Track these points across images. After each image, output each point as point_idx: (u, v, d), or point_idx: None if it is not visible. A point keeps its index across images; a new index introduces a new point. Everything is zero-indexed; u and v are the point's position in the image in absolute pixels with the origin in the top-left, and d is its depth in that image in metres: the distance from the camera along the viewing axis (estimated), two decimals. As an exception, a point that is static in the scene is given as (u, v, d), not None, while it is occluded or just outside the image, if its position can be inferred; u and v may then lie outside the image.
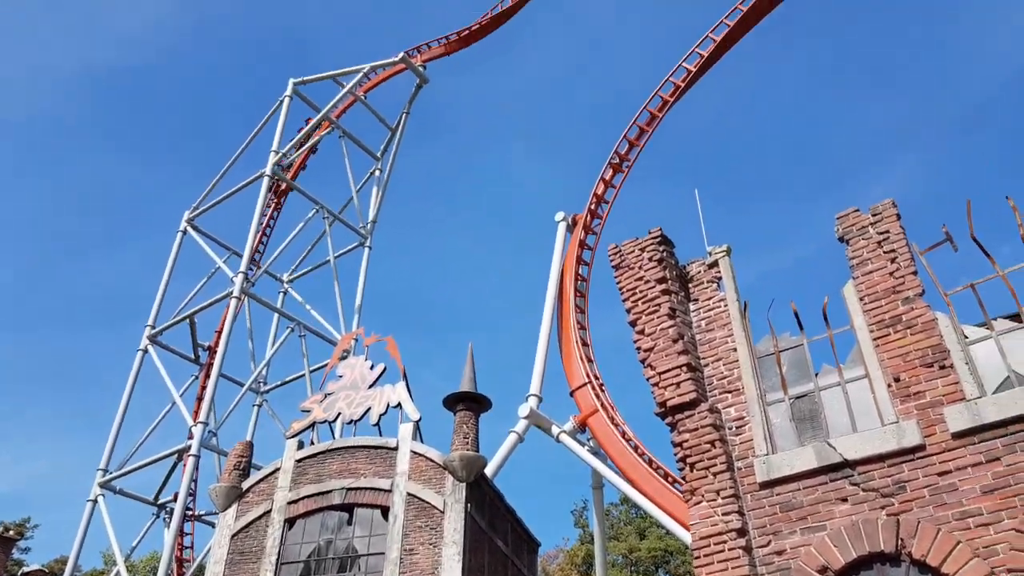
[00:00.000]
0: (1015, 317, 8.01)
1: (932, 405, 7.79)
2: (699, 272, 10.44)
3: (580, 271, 27.69)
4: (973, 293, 8.19)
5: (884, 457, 7.76)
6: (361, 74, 36.87)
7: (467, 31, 37.98)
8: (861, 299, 8.82)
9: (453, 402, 17.31)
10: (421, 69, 38.60)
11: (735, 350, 9.42)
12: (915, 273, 8.65)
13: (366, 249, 37.83)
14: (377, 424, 17.93)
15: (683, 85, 28.39)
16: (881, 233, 9.15)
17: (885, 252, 8.97)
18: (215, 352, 30.51)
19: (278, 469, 17.72)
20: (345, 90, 36.78)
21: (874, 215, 9.30)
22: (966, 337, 8.05)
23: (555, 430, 23.49)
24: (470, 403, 17.22)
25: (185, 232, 35.20)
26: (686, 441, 8.91)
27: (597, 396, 23.53)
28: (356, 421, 18.21)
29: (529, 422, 23.69)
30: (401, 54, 38.08)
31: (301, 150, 37.43)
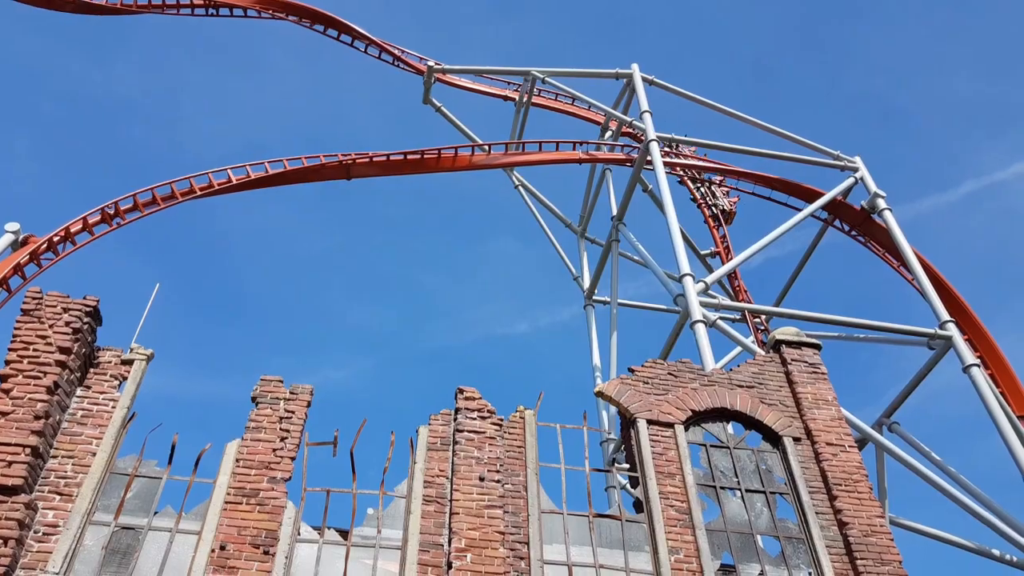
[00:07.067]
0: (344, 532, 8.99)
1: (238, 583, 8.04)
2: (109, 362, 9.67)
3: (-4, 294, 23.39)
4: (326, 497, 9.06)
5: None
6: None
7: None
8: (238, 461, 9.03)
9: None
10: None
11: (94, 455, 8.69)
12: (280, 456, 9.21)
13: None
14: None
15: (219, 187, 27.92)
16: (288, 411, 9.72)
17: (281, 428, 9.49)
18: None
19: None
20: None
21: (292, 393, 9.89)
22: (298, 534, 8.72)
23: None
24: None
25: None
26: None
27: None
28: None
29: None
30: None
31: None
